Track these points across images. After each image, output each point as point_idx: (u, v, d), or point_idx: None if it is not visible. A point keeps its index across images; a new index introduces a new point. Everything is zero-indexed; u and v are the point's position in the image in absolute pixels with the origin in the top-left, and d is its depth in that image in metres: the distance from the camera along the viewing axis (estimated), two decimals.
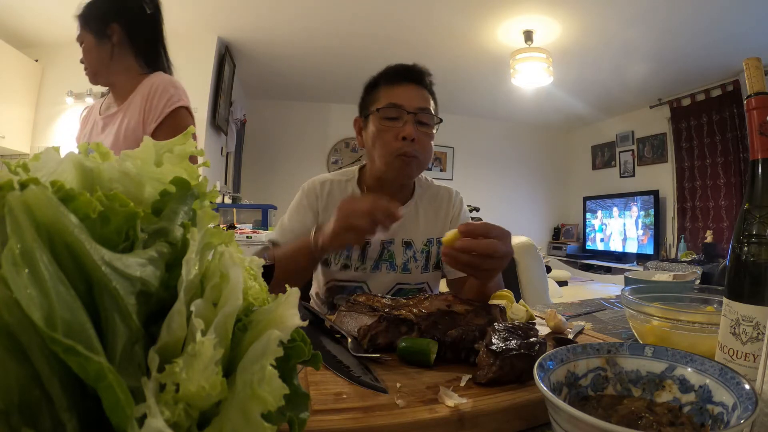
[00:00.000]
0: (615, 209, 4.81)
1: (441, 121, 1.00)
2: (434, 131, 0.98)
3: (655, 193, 4.33)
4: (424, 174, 1.10)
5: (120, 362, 0.20)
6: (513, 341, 0.47)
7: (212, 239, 0.27)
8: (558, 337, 0.61)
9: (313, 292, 1.10)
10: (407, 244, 1.02)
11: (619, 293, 0.69)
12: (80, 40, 1.27)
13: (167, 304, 0.23)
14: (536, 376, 0.33)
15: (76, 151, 0.28)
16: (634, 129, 4.74)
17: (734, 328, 0.38)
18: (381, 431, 0.36)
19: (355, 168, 1.08)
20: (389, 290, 1.01)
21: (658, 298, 0.64)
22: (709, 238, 3.71)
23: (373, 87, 1.00)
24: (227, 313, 0.25)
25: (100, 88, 3.33)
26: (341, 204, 0.76)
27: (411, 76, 0.98)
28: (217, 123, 3.40)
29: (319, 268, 1.03)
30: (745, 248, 0.38)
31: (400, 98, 0.94)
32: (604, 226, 4.96)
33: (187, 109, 1.28)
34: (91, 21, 1.27)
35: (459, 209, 1.09)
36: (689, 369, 0.36)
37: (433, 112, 0.98)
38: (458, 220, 1.07)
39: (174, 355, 0.22)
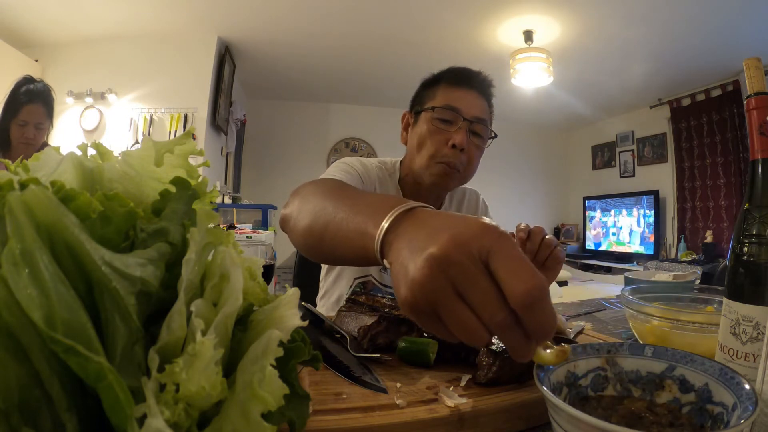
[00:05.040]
0: (614, 209, 4.81)
1: (495, 136, 0.94)
2: (486, 146, 0.93)
3: (655, 193, 4.33)
4: None
5: (120, 362, 0.20)
6: None
7: (212, 239, 0.27)
8: (558, 337, 0.61)
9: (335, 294, 1.02)
10: None
11: (619, 293, 0.69)
12: (44, 125, 1.68)
13: (167, 304, 0.23)
14: (536, 376, 0.33)
15: (77, 151, 0.28)
16: (634, 129, 4.73)
17: (734, 328, 0.38)
18: (381, 431, 0.36)
19: (396, 162, 1.01)
20: None
21: (658, 298, 0.64)
22: (709, 238, 3.70)
23: (431, 84, 0.93)
24: (227, 313, 0.25)
25: (99, 88, 3.35)
26: (472, 234, 0.31)
27: (475, 82, 0.92)
28: (217, 123, 3.40)
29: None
30: (745, 248, 0.38)
31: (459, 102, 0.88)
32: (604, 225, 4.96)
33: None
34: (51, 109, 1.71)
35: (485, 213, 1.08)
36: (689, 369, 0.36)
37: (489, 125, 0.93)
38: None
39: (174, 355, 0.22)
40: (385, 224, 0.37)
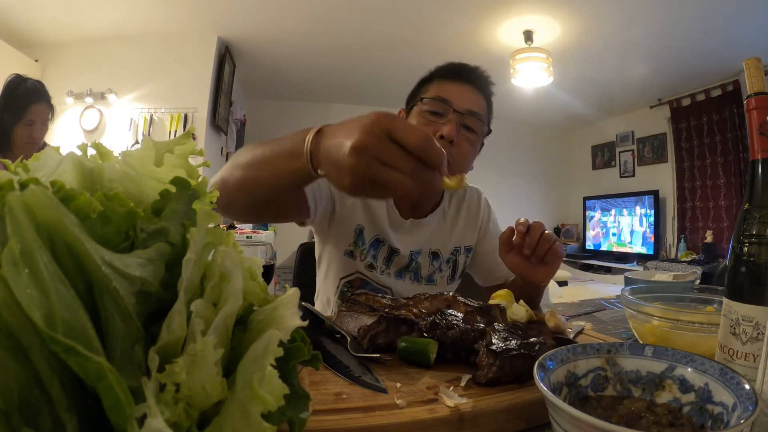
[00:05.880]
0: (614, 209, 4.81)
1: (490, 131, 0.91)
2: (480, 143, 0.89)
3: (655, 193, 4.33)
4: None
5: (120, 362, 0.20)
6: (513, 341, 0.47)
7: (212, 239, 0.27)
8: (558, 337, 0.61)
9: (324, 295, 1.01)
10: (434, 255, 0.97)
11: (619, 293, 0.69)
12: (48, 121, 1.67)
13: (167, 304, 0.23)
14: (536, 376, 0.33)
15: (77, 151, 0.28)
16: (634, 129, 4.73)
17: (734, 328, 0.38)
18: (381, 431, 0.36)
19: None
20: None
21: (658, 298, 0.64)
22: (709, 238, 3.70)
23: (426, 81, 0.91)
24: (227, 313, 0.25)
25: (99, 88, 3.34)
26: (365, 135, 0.42)
27: (469, 76, 0.89)
28: (217, 123, 3.40)
29: (342, 260, 0.92)
30: (745, 248, 0.38)
31: (450, 94, 0.85)
32: (604, 225, 4.96)
33: None
34: (52, 105, 1.67)
35: (488, 217, 1.05)
36: (689, 369, 0.36)
37: (484, 120, 0.89)
38: (488, 229, 1.04)
39: (174, 355, 0.22)
40: (308, 141, 0.49)
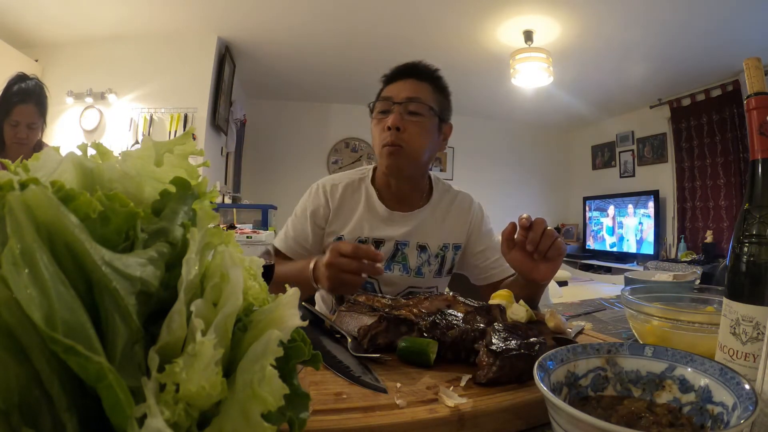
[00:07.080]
0: (614, 209, 4.81)
1: (434, 110, 0.95)
2: (432, 123, 0.95)
3: (655, 193, 4.33)
4: (446, 181, 1.11)
5: (120, 362, 0.20)
6: (513, 341, 0.47)
7: (212, 239, 0.27)
8: (558, 337, 0.61)
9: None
10: (422, 248, 1.01)
11: (619, 293, 0.69)
12: (36, 124, 1.65)
13: (167, 304, 0.23)
14: (536, 376, 0.33)
15: (77, 151, 0.28)
16: (634, 129, 4.73)
17: (734, 328, 0.38)
18: (381, 431, 0.36)
19: (370, 167, 1.08)
20: (400, 292, 1.00)
21: (658, 298, 0.64)
22: (709, 238, 3.70)
23: (381, 91, 1.01)
24: (227, 313, 0.25)
25: (99, 88, 3.33)
26: (329, 256, 0.74)
27: (408, 71, 0.98)
28: (217, 123, 3.40)
29: None
30: (745, 248, 0.38)
31: (391, 92, 0.95)
32: (605, 225, 4.96)
33: None
34: (44, 108, 1.66)
35: (480, 219, 1.07)
36: (689, 369, 0.36)
37: (428, 102, 0.94)
38: (480, 229, 1.06)
39: (174, 355, 0.22)
40: (310, 271, 0.80)
